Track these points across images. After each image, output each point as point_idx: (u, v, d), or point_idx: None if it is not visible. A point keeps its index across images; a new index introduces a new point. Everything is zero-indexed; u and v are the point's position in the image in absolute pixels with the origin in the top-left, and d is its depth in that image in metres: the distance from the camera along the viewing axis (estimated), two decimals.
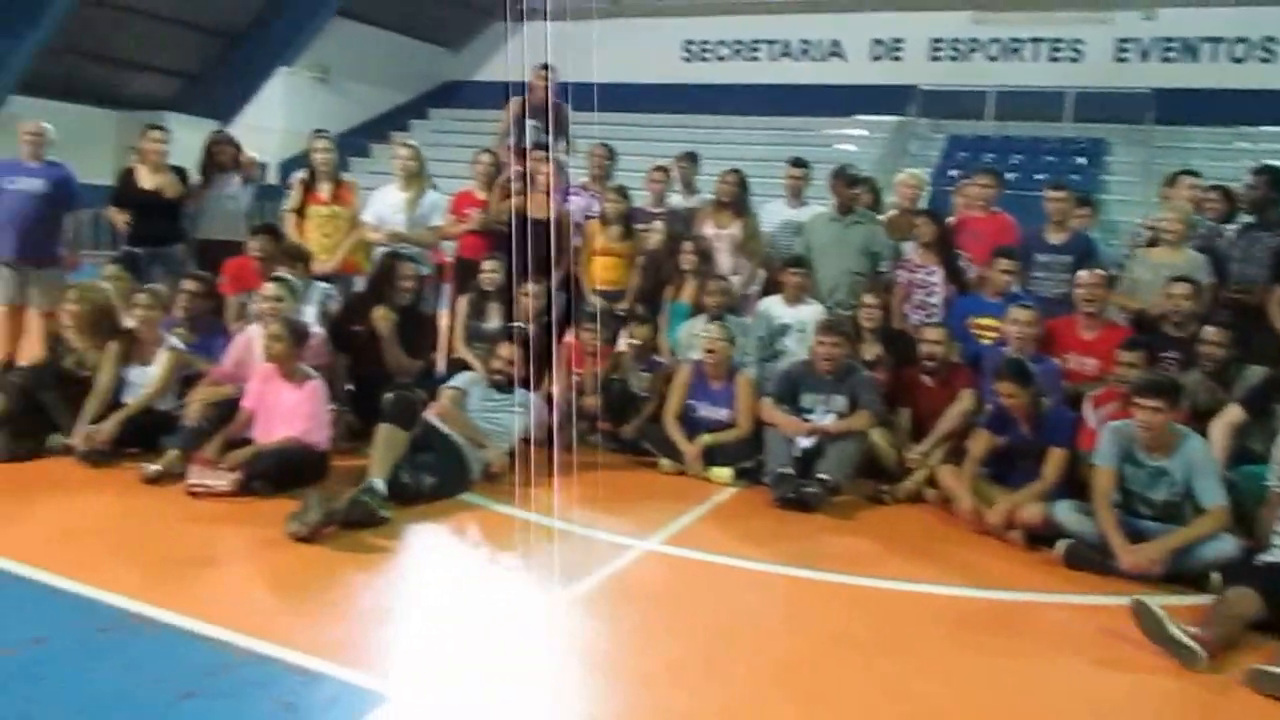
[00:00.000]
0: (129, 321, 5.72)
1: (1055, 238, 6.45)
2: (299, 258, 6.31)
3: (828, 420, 5.63)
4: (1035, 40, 22.13)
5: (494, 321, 6.39)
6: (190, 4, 21.12)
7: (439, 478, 5.07)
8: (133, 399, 5.50)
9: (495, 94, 7.88)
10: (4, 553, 3.96)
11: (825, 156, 11.45)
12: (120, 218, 6.87)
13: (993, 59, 22.49)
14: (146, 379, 5.56)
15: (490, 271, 6.43)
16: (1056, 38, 21.95)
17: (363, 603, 3.79)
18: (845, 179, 6.73)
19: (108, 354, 5.56)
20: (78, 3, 18.61)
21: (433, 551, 4.52)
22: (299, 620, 3.58)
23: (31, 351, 6.71)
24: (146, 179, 6.89)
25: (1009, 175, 8.84)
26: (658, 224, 7.08)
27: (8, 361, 6.90)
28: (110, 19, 19.94)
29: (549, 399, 6.07)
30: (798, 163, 7.35)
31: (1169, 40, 20.98)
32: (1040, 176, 15.25)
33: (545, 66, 7.59)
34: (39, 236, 6.98)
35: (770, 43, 24.55)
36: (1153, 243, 6.38)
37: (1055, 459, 4.92)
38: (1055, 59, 21.95)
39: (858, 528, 5.06)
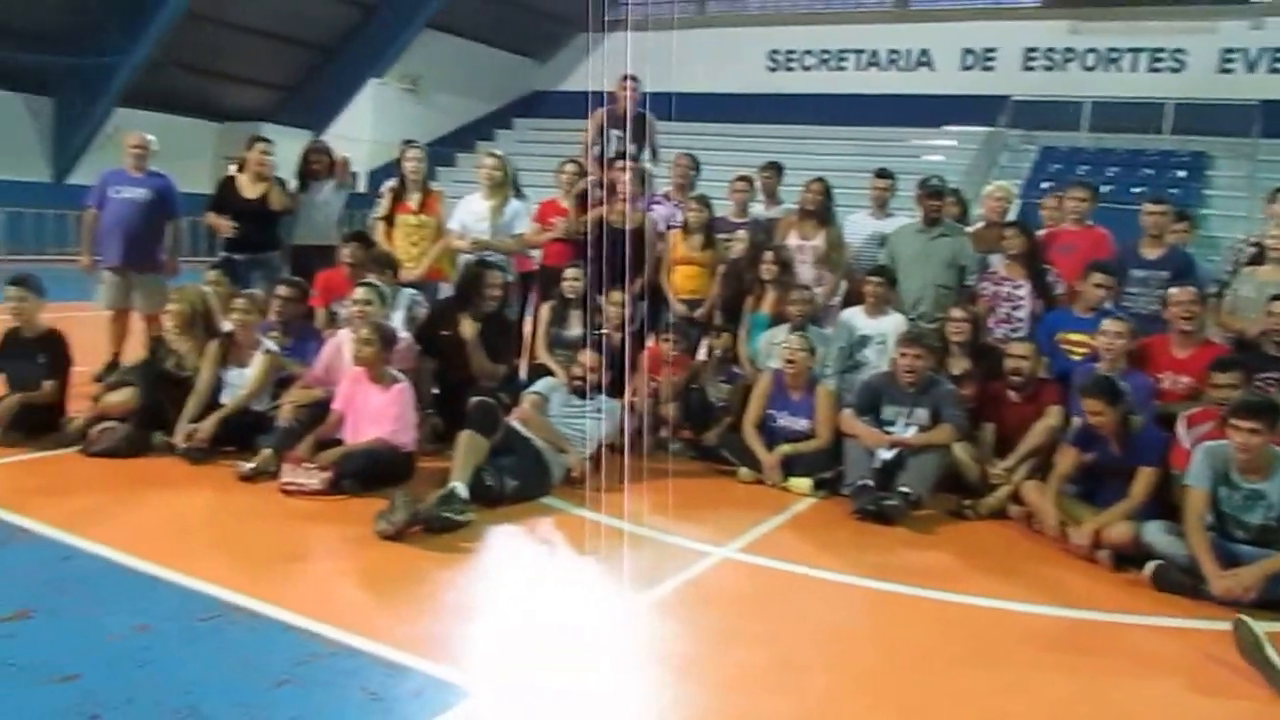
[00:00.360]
0: (227, 325, 5.95)
1: (1152, 253, 6.28)
2: (388, 265, 6.49)
3: (909, 433, 5.58)
4: (1135, 50, 21.60)
5: (576, 329, 6.48)
6: (285, 18, 21.82)
7: (520, 481, 5.17)
8: (230, 400, 5.71)
9: (580, 104, 7.98)
10: (113, 543, 4.16)
11: (912, 168, 11.32)
12: (223, 224, 7.12)
13: (1089, 69, 22.01)
14: (243, 381, 5.77)
15: (572, 279, 6.53)
16: (1157, 48, 21.38)
17: (446, 600, 3.89)
18: (931, 190, 6.67)
19: (206, 356, 5.79)
20: (179, 19, 19.38)
21: (514, 552, 4.60)
22: (386, 615, 3.69)
23: (134, 353, 7.00)
24: (248, 188, 7.14)
25: (1104, 189, 8.65)
26: (740, 234, 7.09)
27: (113, 362, 7.21)
28: (209, 34, 20.72)
29: (629, 406, 6.13)
30: (883, 174, 7.30)
31: (1277, 51, 20.26)
32: (1137, 190, 14.87)
33: (629, 77, 7.67)
34: (143, 243, 7.31)
35: (857, 52, 24.39)
36: (1257, 260, 6.18)
37: (1145, 478, 4.80)
38: (1156, 69, 21.38)
39: (938, 542, 5.01)
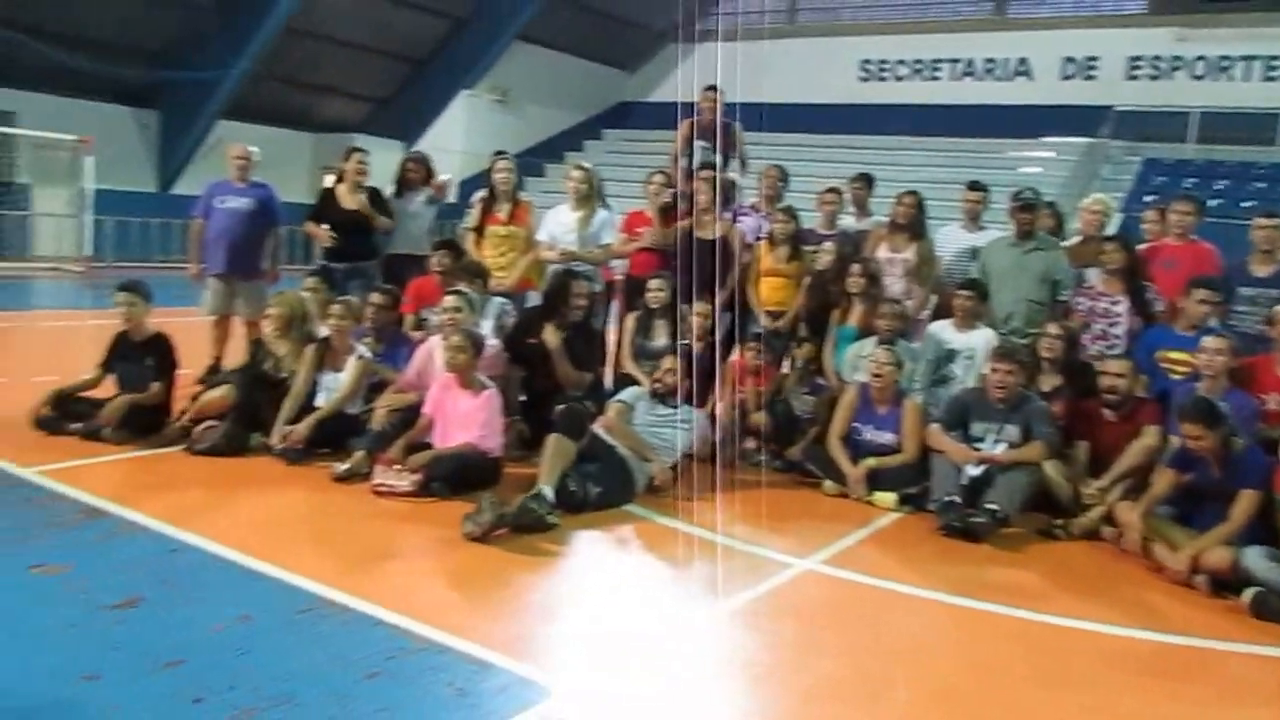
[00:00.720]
0: (323, 331, 6.16)
1: (1262, 270, 6.06)
2: (477, 274, 6.63)
3: (999, 450, 5.49)
4: (1247, 58, 20.82)
5: (661, 339, 6.53)
6: (379, 31, 22.42)
7: (604, 488, 5.24)
8: (325, 403, 5.91)
9: (669, 115, 8.04)
10: (216, 538, 4.35)
11: (1008, 180, 11.09)
12: (321, 234, 7.36)
13: (1198, 78, 21.27)
14: (338, 385, 5.96)
15: (657, 290, 6.58)
16: (1271, 55, 20.55)
17: (530, 601, 3.97)
18: (1024, 203, 6.55)
19: (303, 360, 6.00)
20: (278, 34, 20.09)
21: (596, 557, 4.67)
22: (472, 614, 3.79)
23: (236, 357, 7.28)
24: (346, 199, 7.37)
25: (1211, 203, 8.36)
26: (827, 245, 7.07)
27: (215, 366, 7.51)
28: (307, 48, 21.42)
29: (713, 416, 6.16)
30: (975, 186, 7.20)
31: None
32: (1247, 205, 14.33)
33: (712, 88, 7.70)
34: (246, 252, 7.60)
35: (952, 61, 24.00)
36: None
37: (1245, 501, 4.64)
38: (1270, 78, 20.56)
39: (1026, 560, 4.91)
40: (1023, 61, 23.17)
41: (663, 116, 8.21)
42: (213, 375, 7.10)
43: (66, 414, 5.92)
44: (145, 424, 5.92)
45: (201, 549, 4.25)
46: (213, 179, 7.95)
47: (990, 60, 23.53)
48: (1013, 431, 5.52)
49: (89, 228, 18.75)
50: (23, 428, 5.89)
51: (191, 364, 6.80)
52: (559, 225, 7.14)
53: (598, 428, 5.57)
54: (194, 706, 2.94)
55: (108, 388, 6.10)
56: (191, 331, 7.32)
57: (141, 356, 6.07)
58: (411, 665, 3.28)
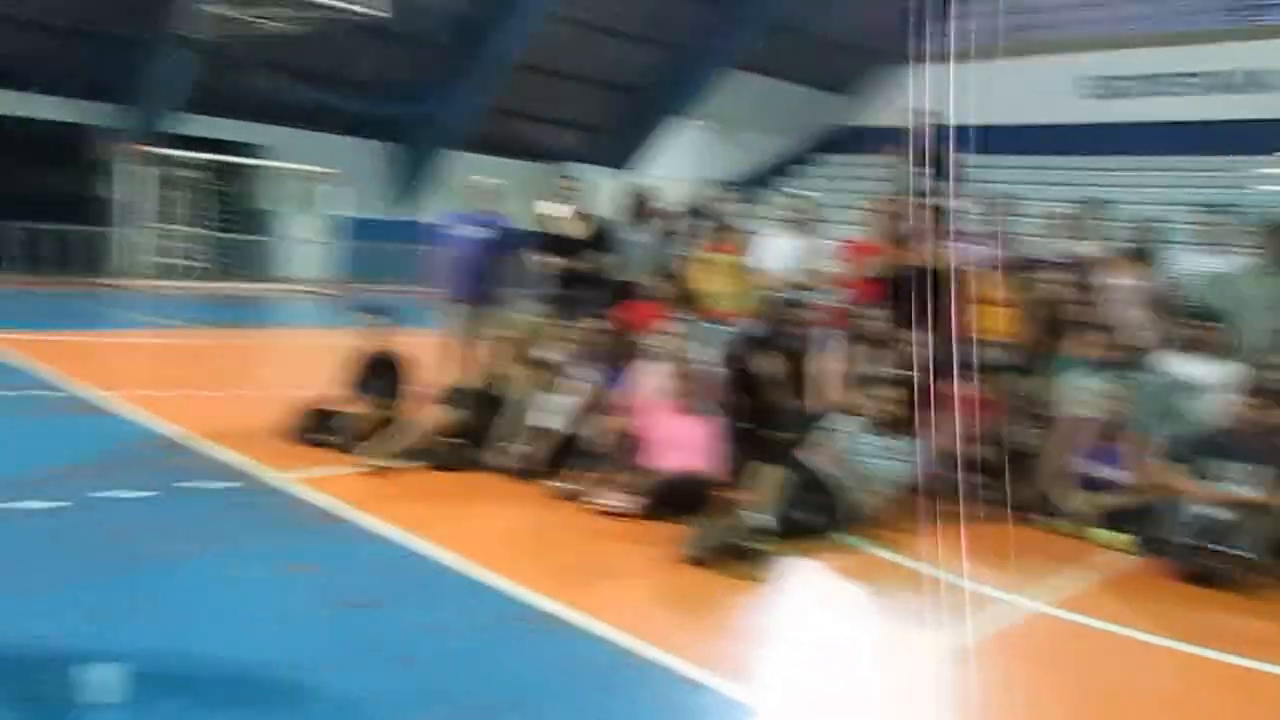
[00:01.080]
0: (550, 355, 6.46)
1: None
2: (696, 302, 6.77)
3: (1245, 491, 5.11)
4: None
5: (879, 368, 6.46)
6: (597, 62, 23.24)
7: (820, 517, 5.23)
8: (549, 423, 6.18)
9: (889, 139, 7.94)
10: (448, 546, 4.66)
11: (1248, 201, 10.28)
12: (549, 261, 7.71)
13: None
14: (561, 407, 6.23)
15: (877, 319, 6.52)
16: None
17: (743, 624, 4.04)
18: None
19: (531, 382, 6.31)
20: (507, 69, 21.21)
21: (811, 586, 4.67)
22: (686, 633, 3.88)
23: (469, 378, 7.73)
24: (570, 226, 7.70)
25: None
26: (1054, 273, 6.79)
27: (450, 385, 7.96)
28: (532, 82, 22.50)
29: (933, 449, 6.03)
30: (1214, 208, 6.75)
31: None
32: None
33: (928, 111, 7.55)
34: (480, 278, 8.05)
35: (1191, 75, 22.43)
36: None
37: None
38: None
39: (1276, 611, 4.55)
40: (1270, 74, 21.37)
41: (882, 141, 8.11)
42: (448, 394, 7.54)
43: (319, 427, 6.49)
44: (386, 438, 6.36)
45: (434, 557, 4.57)
46: (445, 207, 8.45)
47: (1228, 73, 21.81)
48: (1266, 472, 5.12)
49: (331, 252, 20.41)
50: (275, 436, 6.51)
51: (427, 382, 7.27)
52: (775, 253, 7.20)
53: (815, 456, 5.57)
54: (428, 704, 3.16)
55: (353, 402, 6.62)
56: (428, 351, 7.83)
57: (383, 375, 6.57)
58: (627, 679, 3.42)
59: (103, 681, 3.09)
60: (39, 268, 18.09)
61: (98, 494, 5.15)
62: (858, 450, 5.74)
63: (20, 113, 18.44)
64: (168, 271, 18.81)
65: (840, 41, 25.62)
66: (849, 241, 7.38)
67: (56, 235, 18.56)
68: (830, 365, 7.07)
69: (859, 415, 6.07)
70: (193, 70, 18.36)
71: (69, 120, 19.05)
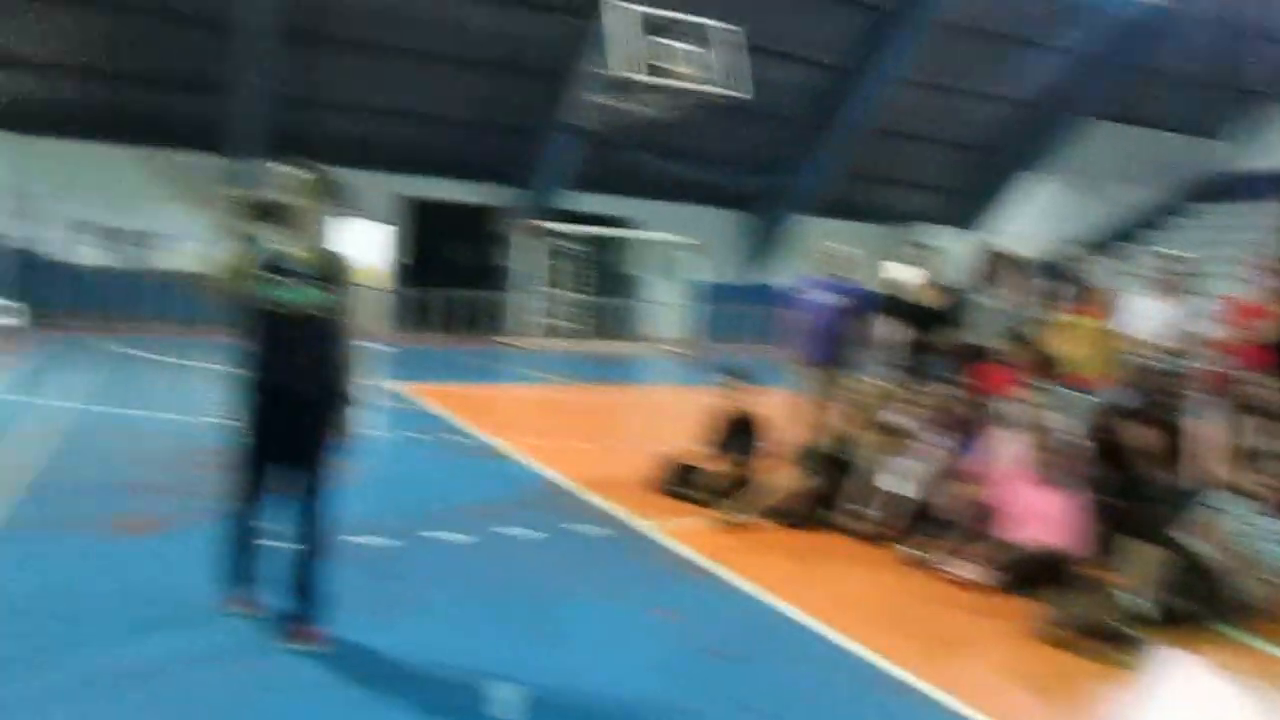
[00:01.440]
0: (899, 419, 6.52)
1: None
2: (1054, 367, 6.54)
3: None
4: None
5: (1272, 442, 5.90)
6: (947, 123, 22.93)
7: (1194, 603, 4.86)
8: (896, 487, 6.23)
9: (1272, 186, 7.26)
10: (794, 603, 4.86)
11: None
12: (896, 327, 7.75)
13: None
14: (909, 470, 6.26)
15: (1267, 387, 5.96)
16: None
17: (1099, 713, 3.87)
18: None
19: (877, 445, 6.41)
20: (859, 135, 21.52)
21: (1187, 681, 4.37)
22: (1045, 716, 3.79)
23: (821, 440, 7.93)
24: (919, 292, 7.72)
25: None
26: None
27: (803, 445, 8.19)
28: (882, 146, 22.64)
29: None
30: None
31: None
32: None
33: None
34: (833, 342, 8.23)
35: None
36: None
37: None
38: None
39: None
40: None
41: (1264, 188, 7.39)
42: (801, 455, 7.79)
43: (682, 481, 6.98)
44: (745, 495, 6.68)
45: (786, 614, 4.76)
46: (799, 271, 8.75)
47: None
48: None
49: (689, 314, 21.62)
50: (642, 487, 7.07)
51: (778, 442, 7.55)
52: (1143, 316, 6.80)
53: (1190, 536, 5.20)
54: None
55: (713, 459, 7.03)
56: (780, 410, 8.12)
57: (741, 434, 6.95)
58: None
59: (503, 700, 3.60)
60: (452, 327, 21.19)
61: (500, 529, 5.93)
62: (1245, 533, 5.28)
63: (440, 196, 21.84)
64: (552, 331, 20.89)
65: (1208, 80, 23.41)
66: (1231, 301, 6.79)
67: (466, 300, 21.49)
68: (1211, 438, 6.55)
69: (1247, 494, 5.60)
70: (578, 153, 20.44)
71: (478, 202, 22.25)
